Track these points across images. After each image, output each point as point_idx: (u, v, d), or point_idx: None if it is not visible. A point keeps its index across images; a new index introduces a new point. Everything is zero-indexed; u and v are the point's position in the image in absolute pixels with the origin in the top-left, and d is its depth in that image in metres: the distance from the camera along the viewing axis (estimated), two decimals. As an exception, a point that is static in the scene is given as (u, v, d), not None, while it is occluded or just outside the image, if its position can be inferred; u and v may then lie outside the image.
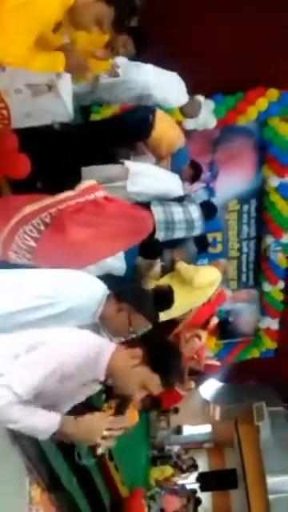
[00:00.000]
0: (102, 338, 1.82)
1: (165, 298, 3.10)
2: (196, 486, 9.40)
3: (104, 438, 1.53)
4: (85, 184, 2.37)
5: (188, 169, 3.74)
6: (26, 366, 1.55)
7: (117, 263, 2.72)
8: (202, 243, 3.83)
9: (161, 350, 1.77)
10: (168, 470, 7.98)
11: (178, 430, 9.20)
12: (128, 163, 3.17)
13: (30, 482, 3.55)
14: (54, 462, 3.54)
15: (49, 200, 2.25)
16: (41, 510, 3.71)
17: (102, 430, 1.54)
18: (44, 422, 1.52)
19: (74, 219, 2.18)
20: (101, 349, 1.69)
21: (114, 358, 1.68)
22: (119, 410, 1.78)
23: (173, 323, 3.94)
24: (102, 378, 1.67)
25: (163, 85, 3.38)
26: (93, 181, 2.41)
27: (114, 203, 2.35)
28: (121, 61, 3.13)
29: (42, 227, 2.16)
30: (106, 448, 1.56)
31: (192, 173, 3.82)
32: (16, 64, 1.91)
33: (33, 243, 2.13)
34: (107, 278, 2.23)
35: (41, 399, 1.55)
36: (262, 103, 4.67)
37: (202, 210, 3.52)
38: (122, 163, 3.17)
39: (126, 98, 3.40)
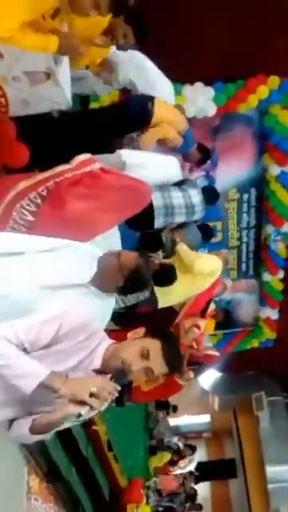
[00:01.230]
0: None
1: (167, 274, 3.13)
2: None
3: (92, 395, 1.46)
4: (80, 157, 2.38)
5: (196, 152, 3.70)
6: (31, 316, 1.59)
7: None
8: (206, 232, 3.83)
9: (161, 326, 1.80)
10: (166, 455, 8.06)
11: (174, 409, 9.22)
12: (124, 155, 3.14)
13: (29, 472, 3.60)
14: (53, 451, 3.59)
15: (45, 174, 2.26)
16: (39, 499, 3.77)
17: (91, 386, 1.46)
18: (32, 368, 1.47)
19: (71, 192, 2.19)
20: (101, 334, 1.71)
21: (113, 345, 1.70)
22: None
23: (172, 314, 3.96)
24: (98, 364, 1.66)
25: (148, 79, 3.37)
26: (88, 154, 2.41)
27: (110, 174, 2.36)
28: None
29: (39, 201, 2.17)
30: (90, 411, 1.45)
31: (200, 156, 3.80)
32: (6, 40, 1.91)
33: (30, 217, 2.14)
34: None
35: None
36: (263, 91, 4.65)
37: (204, 194, 3.48)
38: (119, 153, 3.16)
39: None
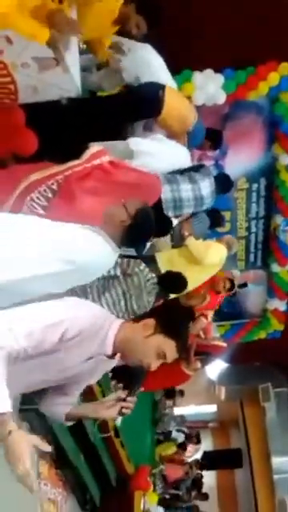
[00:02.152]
0: (110, 314, 1.84)
1: (177, 283, 3.14)
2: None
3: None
4: (90, 151, 2.38)
5: (205, 142, 3.67)
6: (32, 314, 1.57)
7: None
8: (215, 218, 3.82)
9: (170, 315, 1.81)
10: (172, 447, 8.10)
11: (181, 393, 9.28)
12: (132, 143, 3.13)
13: (38, 458, 3.67)
14: (62, 438, 3.64)
15: (55, 168, 2.26)
16: (48, 484, 3.84)
17: (25, 457, 1.34)
18: None
19: (81, 186, 2.19)
20: (108, 322, 1.72)
21: (122, 330, 1.71)
22: (133, 388, 1.78)
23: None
24: (110, 352, 1.69)
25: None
26: (98, 146, 2.40)
27: (120, 168, 2.35)
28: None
29: (50, 195, 2.17)
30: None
31: (210, 143, 3.75)
32: (1, 16, 1.87)
33: (41, 211, 2.13)
34: None
35: (41, 357, 1.55)
36: (274, 78, 4.61)
37: (217, 183, 3.42)
38: (127, 140, 3.15)
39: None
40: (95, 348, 1.68)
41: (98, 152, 2.39)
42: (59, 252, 1.72)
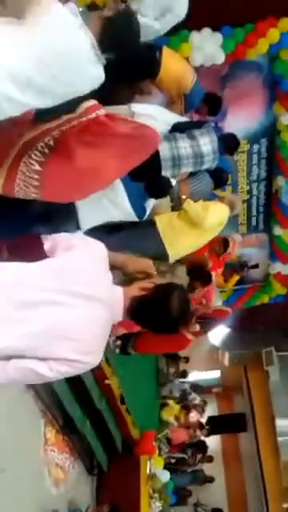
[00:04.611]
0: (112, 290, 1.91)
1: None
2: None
3: None
4: (85, 105, 2.41)
5: (203, 106, 3.72)
6: None
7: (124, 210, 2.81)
8: (218, 177, 3.82)
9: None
10: (174, 406, 8.23)
11: (183, 374, 9.61)
12: (133, 106, 3.20)
13: (45, 424, 3.91)
14: (68, 405, 3.86)
15: (51, 123, 2.27)
16: (55, 450, 4.10)
17: None
18: None
19: (78, 140, 2.20)
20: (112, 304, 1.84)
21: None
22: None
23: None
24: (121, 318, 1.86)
25: None
26: (93, 101, 2.46)
27: (116, 121, 2.40)
28: None
29: (47, 150, 2.19)
30: None
31: (208, 107, 3.80)
32: None
33: (38, 167, 2.17)
34: None
35: None
36: (274, 34, 4.55)
37: (222, 143, 3.41)
38: (128, 105, 3.20)
39: None
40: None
41: (92, 106, 2.41)
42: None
